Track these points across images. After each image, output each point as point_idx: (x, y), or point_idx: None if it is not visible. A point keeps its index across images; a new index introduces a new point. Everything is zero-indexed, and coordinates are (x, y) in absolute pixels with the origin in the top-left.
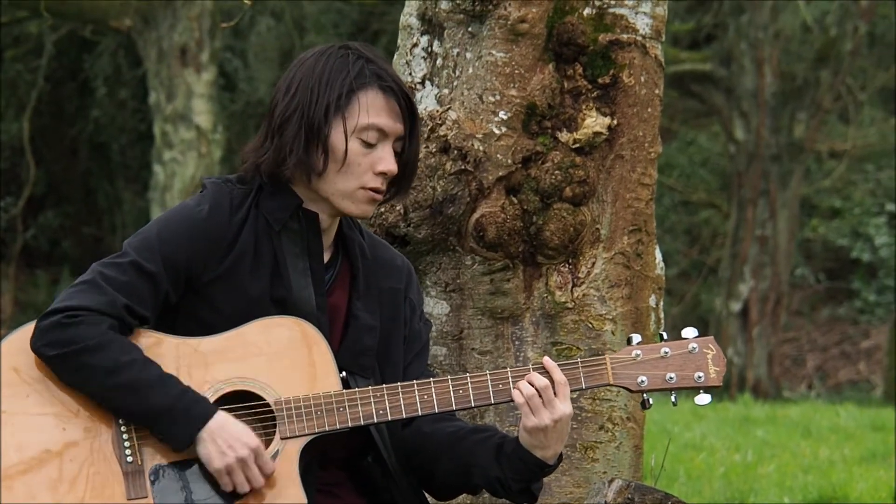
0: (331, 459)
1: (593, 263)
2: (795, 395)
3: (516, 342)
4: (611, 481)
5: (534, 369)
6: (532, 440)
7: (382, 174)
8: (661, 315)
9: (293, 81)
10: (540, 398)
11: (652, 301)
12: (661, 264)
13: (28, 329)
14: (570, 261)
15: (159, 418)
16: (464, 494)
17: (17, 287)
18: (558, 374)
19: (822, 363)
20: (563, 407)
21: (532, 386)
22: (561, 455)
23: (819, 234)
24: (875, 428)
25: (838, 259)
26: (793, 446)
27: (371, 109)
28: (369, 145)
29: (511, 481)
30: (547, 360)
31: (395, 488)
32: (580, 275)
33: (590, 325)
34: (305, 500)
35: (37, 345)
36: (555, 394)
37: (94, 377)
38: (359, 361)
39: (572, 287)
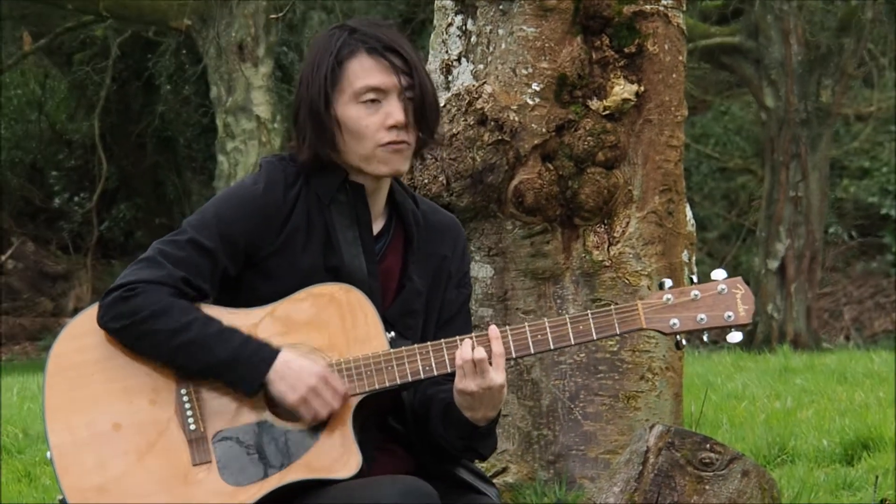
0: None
1: (627, 223)
2: (834, 347)
3: (558, 300)
4: (652, 427)
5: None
6: (461, 400)
7: (394, 127)
8: (694, 269)
9: (300, 75)
10: (473, 365)
11: (685, 256)
12: (692, 221)
13: (92, 310)
14: (606, 221)
15: (227, 369)
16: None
17: (94, 277)
18: (497, 346)
19: (858, 315)
20: (496, 377)
21: (470, 353)
22: (496, 419)
23: (850, 194)
24: None
25: (869, 216)
26: (830, 392)
27: (360, 73)
28: (372, 104)
29: (453, 438)
30: (492, 330)
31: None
32: (615, 234)
33: (626, 282)
34: (360, 458)
35: (103, 320)
36: (490, 363)
37: (160, 341)
38: (406, 321)
39: (608, 246)
